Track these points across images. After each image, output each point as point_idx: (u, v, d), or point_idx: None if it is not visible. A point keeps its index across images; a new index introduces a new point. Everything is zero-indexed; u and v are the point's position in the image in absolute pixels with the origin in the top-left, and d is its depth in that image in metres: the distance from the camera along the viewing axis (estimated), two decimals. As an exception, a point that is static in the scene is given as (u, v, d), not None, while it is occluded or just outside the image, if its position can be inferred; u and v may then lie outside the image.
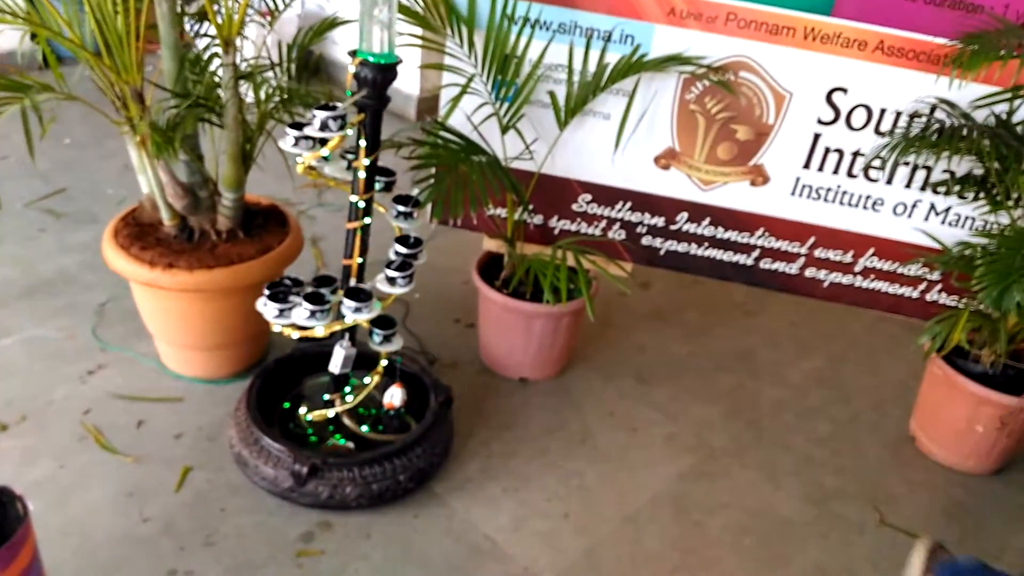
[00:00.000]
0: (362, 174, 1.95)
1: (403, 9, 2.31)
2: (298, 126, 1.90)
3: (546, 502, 2.25)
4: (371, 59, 1.82)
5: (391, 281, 2.04)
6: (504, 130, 2.46)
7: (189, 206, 2.31)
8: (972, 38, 2.16)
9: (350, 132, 1.87)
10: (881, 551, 2.24)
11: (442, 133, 2.39)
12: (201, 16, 2.28)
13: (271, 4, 2.41)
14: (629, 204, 2.62)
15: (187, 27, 2.26)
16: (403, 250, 2.07)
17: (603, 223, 2.66)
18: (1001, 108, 2.30)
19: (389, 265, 2.06)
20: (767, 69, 2.37)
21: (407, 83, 4.79)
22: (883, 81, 2.34)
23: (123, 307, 2.78)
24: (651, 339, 3.07)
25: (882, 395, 2.92)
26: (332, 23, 2.46)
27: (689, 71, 2.37)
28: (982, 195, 2.36)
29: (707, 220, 2.61)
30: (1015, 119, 2.29)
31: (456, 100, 2.35)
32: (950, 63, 2.12)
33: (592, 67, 2.41)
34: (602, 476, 2.37)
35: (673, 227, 2.64)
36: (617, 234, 2.67)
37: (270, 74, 2.29)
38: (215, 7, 2.09)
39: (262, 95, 2.21)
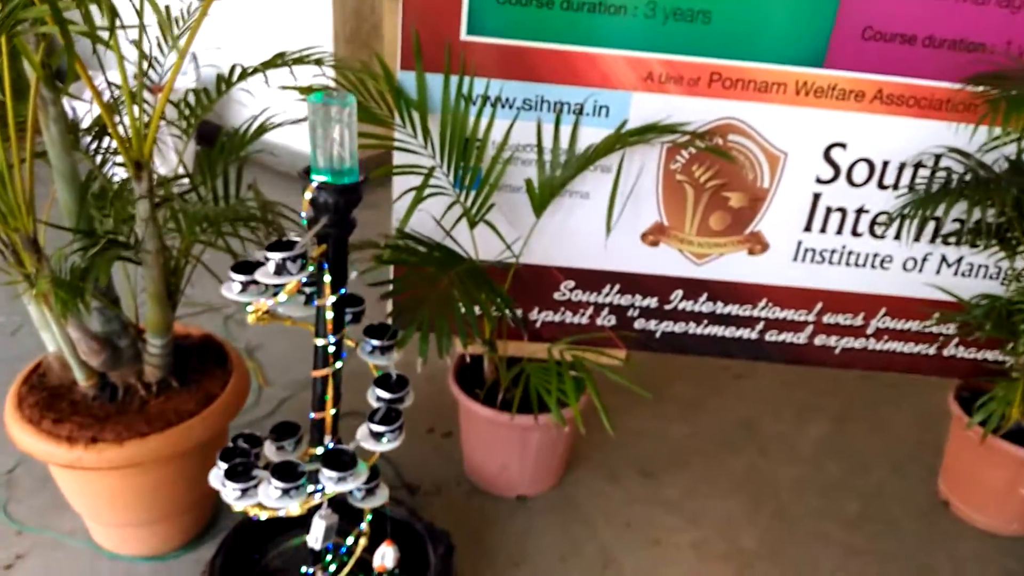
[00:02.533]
0: (330, 314, 1.60)
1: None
2: (245, 268, 1.53)
3: (578, 657, 1.93)
4: (330, 180, 1.48)
5: (377, 437, 1.68)
6: (473, 224, 2.14)
7: (108, 360, 1.89)
8: (983, 79, 1.99)
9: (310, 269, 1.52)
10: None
11: (407, 242, 2.06)
12: (100, 134, 1.89)
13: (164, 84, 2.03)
14: (617, 287, 2.34)
15: (84, 149, 1.86)
16: (386, 395, 1.72)
17: (589, 310, 2.36)
18: (1009, 150, 2.12)
19: (372, 416, 1.70)
20: (758, 130, 2.14)
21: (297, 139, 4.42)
22: (884, 132, 2.13)
23: (36, 472, 2.32)
24: (646, 422, 2.78)
25: (898, 455, 2.71)
26: (229, 82, 2.06)
27: (672, 139, 2.12)
28: (997, 243, 2.18)
29: (704, 296, 2.35)
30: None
31: (417, 199, 2.01)
32: (984, 109, 1.91)
33: (564, 144, 2.12)
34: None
35: (668, 307, 2.37)
36: (606, 320, 2.38)
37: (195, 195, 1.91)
38: (117, 121, 1.71)
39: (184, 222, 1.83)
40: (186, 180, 1.96)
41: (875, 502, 2.49)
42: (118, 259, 1.80)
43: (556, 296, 2.34)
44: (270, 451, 1.82)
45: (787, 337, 2.41)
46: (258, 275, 1.49)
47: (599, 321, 2.38)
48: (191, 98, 2.07)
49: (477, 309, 1.94)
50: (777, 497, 2.49)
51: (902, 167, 2.18)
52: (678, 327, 2.40)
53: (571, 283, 2.32)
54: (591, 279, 2.32)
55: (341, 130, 1.46)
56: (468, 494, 2.41)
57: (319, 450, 1.72)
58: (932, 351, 2.43)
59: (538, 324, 2.37)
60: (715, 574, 2.19)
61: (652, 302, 2.36)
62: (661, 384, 2.97)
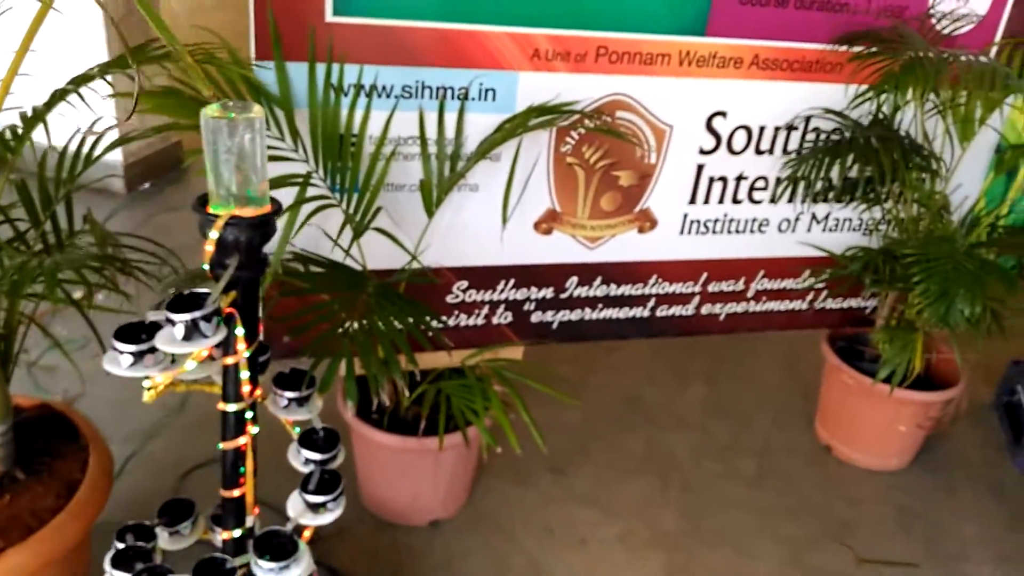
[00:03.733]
0: (245, 373, 1.30)
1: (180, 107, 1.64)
2: (130, 334, 1.20)
3: None
4: (238, 212, 1.18)
5: (316, 508, 1.41)
6: (359, 233, 1.87)
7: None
8: (855, 37, 2.04)
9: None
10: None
11: (296, 265, 1.77)
12: None
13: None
14: (512, 281, 2.18)
15: None
16: (316, 456, 1.45)
17: (484, 310, 2.19)
18: (870, 107, 2.21)
19: (306, 485, 1.42)
20: (645, 104, 2.06)
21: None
22: (761, 98, 2.14)
23: None
24: (538, 413, 2.66)
25: (773, 408, 2.82)
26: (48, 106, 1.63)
27: (566, 121, 1.98)
28: (863, 196, 2.27)
29: (598, 280, 2.26)
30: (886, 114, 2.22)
31: (295, 214, 1.71)
32: (851, 68, 1.96)
33: (450, 134, 1.91)
34: (581, 620, 1.96)
35: (563, 295, 2.25)
36: (502, 318, 2.22)
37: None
38: None
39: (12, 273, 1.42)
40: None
41: (767, 458, 2.57)
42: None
43: (449, 299, 2.14)
44: (164, 539, 1.50)
45: (676, 311, 2.39)
46: (160, 342, 1.16)
47: (495, 320, 2.21)
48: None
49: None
50: (680, 469, 2.49)
51: (776, 131, 2.20)
52: (574, 315, 2.29)
53: (464, 283, 2.13)
54: (485, 276, 2.14)
55: (250, 148, 1.16)
56: (375, 529, 2.17)
57: (236, 533, 1.43)
58: (805, 306, 2.52)
59: (429, 333, 2.16)
60: (650, 564, 2.14)
61: (548, 292, 2.23)
62: (542, 370, 2.87)
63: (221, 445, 1.38)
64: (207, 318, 1.16)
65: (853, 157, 2.09)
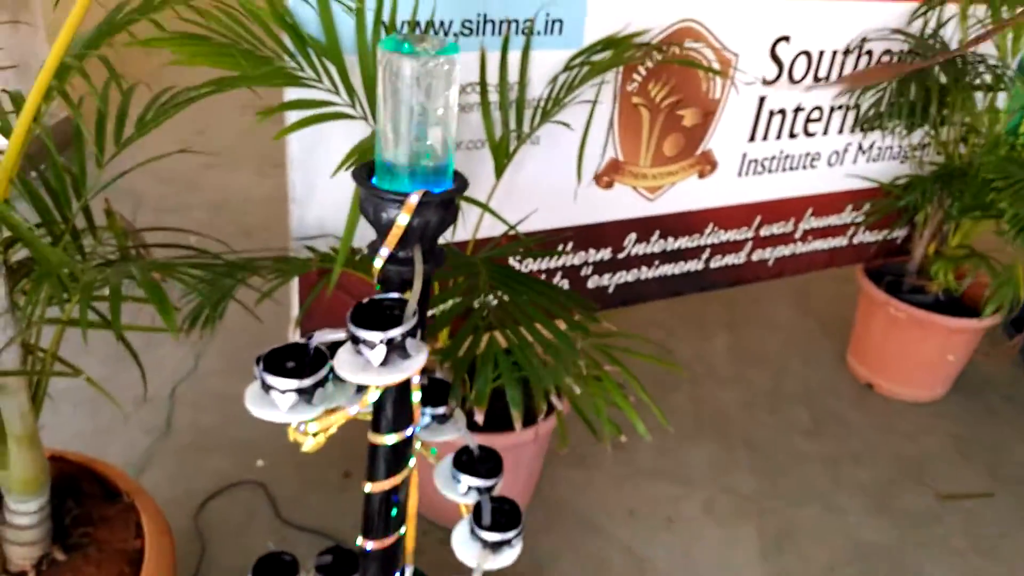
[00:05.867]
0: (417, 395, 0.99)
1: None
2: (279, 364, 0.87)
3: None
4: (429, 188, 0.87)
5: (497, 548, 1.13)
6: (425, 203, 1.55)
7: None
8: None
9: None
10: (969, 525, 2.04)
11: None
12: None
13: None
14: (571, 244, 1.92)
15: None
16: (479, 482, 1.16)
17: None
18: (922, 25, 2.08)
19: (478, 519, 1.14)
20: (713, 30, 1.82)
21: None
22: (822, 19, 1.95)
23: None
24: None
25: (799, 349, 2.72)
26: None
27: (639, 53, 1.72)
28: (919, 119, 2.14)
29: (656, 234, 2.04)
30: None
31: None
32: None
33: (512, 76, 1.62)
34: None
35: (621, 255, 2.01)
36: (560, 286, 1.96)
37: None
38: None
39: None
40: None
41: (814, 403, 2.46)
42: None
43: (505, 271, 1.86)
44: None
45: (729, 260, 2.21)
46: (348, 372, 0.84)
47: (552, 289, 1.95)
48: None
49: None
50: (736, 425, 2.34)
51: (834, 56, 2.03)
52: (631, 275, 2.07)
53: (513, 248, 1.85)
54: (544, 243, 1.87)
55: (445, 103, 0.85)
56: (443, 542, 1.89)
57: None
58: (845, 242, 2.40)
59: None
60: (745, 534, 1.98)
61: (606, 254, 1.99)
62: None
63: (370, 487, 1.07)
64: (412, 332, 0.85)
65: (913, 78, 1.95)
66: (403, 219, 0.85)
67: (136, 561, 1.23)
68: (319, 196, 1.58)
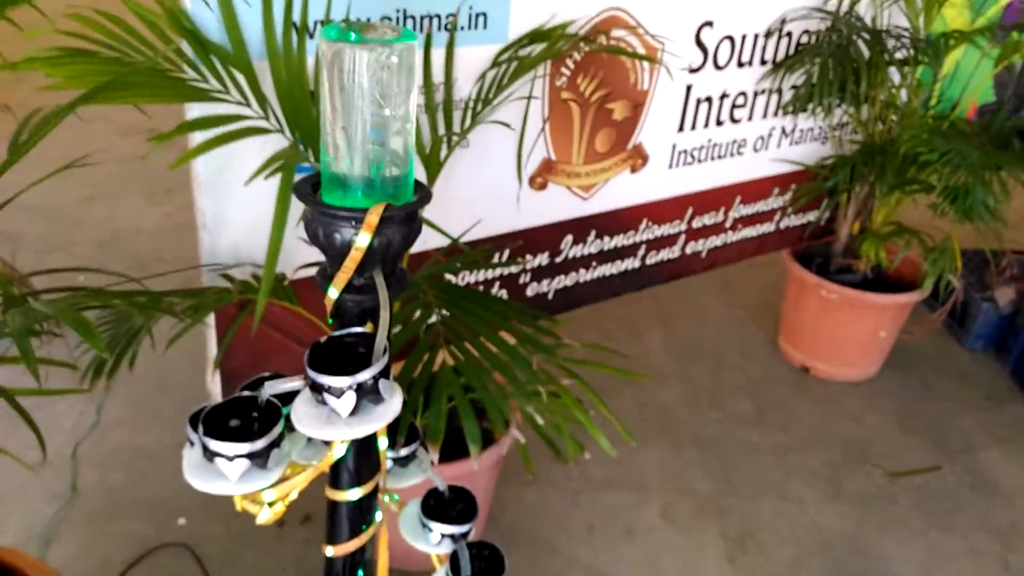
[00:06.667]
0: (383, 442, 0.85)
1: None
2: (223, 426, 0.72)
3: None
4: (391, 201, 0.73)
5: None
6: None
7: None
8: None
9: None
10: (923, 500, 2.04)
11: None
12: None
13: None
14: (507, 252, 1.81)
15: None
16: (451, 529, 1.03)
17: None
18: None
19: (455, 569, 1.00)
20: (639, 18, 1.75)
21: None
22: (743, 2, 1.91)
23: None
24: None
25: (733, 340, 2.69)
26: None
27: (567, 45, 1.62)
28: (842, 98, 2.13)
29: (592, 234, 1.95)
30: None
31: (283, 192, 1.21)
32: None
33: (438, 76, 1.49)
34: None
35: (558, 259, 1.92)
36: (501, 296, 1.85)
37: None
38: None
39: None
40: None
41: (756, 393, 2.43)
42: None
43: (440, 286, 1.73)
44: None
45: (664, 255, 2.15)
46: (309, 428, 0.70)
47: (490, 301, 1.83)
48: None
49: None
50: (683, 425, 2.28)
51: (756, 40, 1.99)
52: (569, 279, 1.97)
53: (456, 263, 1.73)
54: (487, 253, 1.75)
55: (405, 100, 0.72)
56: (397, 583, 1.75)
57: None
58: (773, 228, 2.38)
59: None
60: (708, 536, 1.92)
61: (543, 259, 1.89)
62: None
63: (331, 551, 0.93)
64: (385, 372, 0.71)
65: (836, 56, 1.94)
66: (363, 239, 0.72)
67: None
68: (232, 221, 1.40)
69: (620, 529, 1.93)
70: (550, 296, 1.96)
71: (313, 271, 1.45)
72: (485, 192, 1.69)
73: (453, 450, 1.48)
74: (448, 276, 1.71)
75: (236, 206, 1.40)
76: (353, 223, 0.72)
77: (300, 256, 1.45)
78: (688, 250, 2.20)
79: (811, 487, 2.09)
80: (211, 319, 1.46)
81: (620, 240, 2.02)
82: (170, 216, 3.18)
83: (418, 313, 1.33)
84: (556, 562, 1.82)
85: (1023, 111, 2.41)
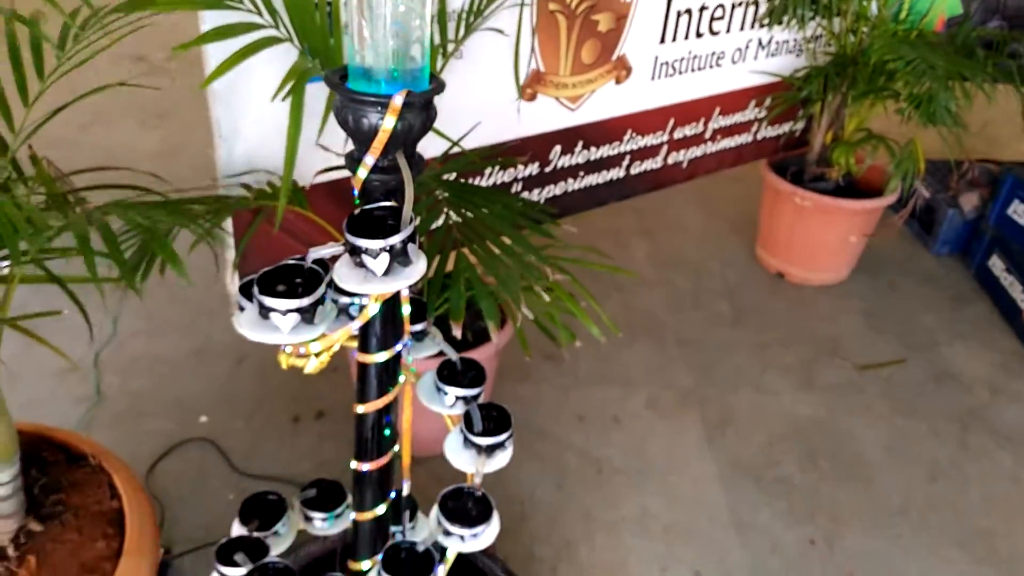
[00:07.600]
0: (407, 308, 0.98)
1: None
2: (272, 285, 0.84)
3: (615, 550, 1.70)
4: (411, 88, 0.84)
5: (492, 451, 1.14)
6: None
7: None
8: None
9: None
10: (888, 389, 2.21)
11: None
12: None
13: None
14: (500, 163, 1.92)
15: None
16: (465, 392, 1.17)
17: (473, 200, 1.92)
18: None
19: (470, 428, 1.14)
20: (621, -68, 1.83)
21: None
22: (722, -84, 1.99)
23: None
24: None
25: (713, 248, 2.83)
26: None
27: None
28: (816, 10, 2.22)
29: (580, 144, 2.06)
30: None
31: (297, 95, 1.31)
32: None
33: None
34: (667, 503, 1.87)
35: (548, 169, 2.03)
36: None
37: None
38: None
39: None
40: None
41: (735, 296, 2.59)
42: None
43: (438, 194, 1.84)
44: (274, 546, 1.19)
45: (647, 165, 2.26)
46: (351, 283, 0.82)
47: (484, 209, 1.95)
48: None
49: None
50: (666, 326, 2.43)
51: (733, -48, 2.08)
52: (558, 189, 2.09)
53: (460, 163, 1.84)
54: (488, 156, 1.86)
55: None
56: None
57: (380, 510, 1.14)
58: (750, 139, 2.50)
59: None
60: (689, 423, 2.08)
61: (533, 169, 2.00)
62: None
63: (362, 408, 1.06)
64: (412, 238, 0.84)
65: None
66: (388, 123, 0.83)
67: (116, 521, 1.18)
68: (245, 130, 1.50)
69: (608, 418, 2.09)
70: (541, 204, 2.07)
71: (326, 177, 1.56)
72: (478, 103, 1.78)
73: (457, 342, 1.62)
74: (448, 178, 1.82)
75: (248, 117, 1.49)
76: (379, 108, 0.83)
77: (312, 166, 1.55)
78: (670, 160, 2.31)
79: (785, 380, 2.26)
80: (229, 225, 1.57)
81: (606, 150, 2.13)
82: (165, 139, 3.24)
83: (435, 214, 1.45)
84: (549, 446, 1.99)
85: (989, 23, 2.51)
